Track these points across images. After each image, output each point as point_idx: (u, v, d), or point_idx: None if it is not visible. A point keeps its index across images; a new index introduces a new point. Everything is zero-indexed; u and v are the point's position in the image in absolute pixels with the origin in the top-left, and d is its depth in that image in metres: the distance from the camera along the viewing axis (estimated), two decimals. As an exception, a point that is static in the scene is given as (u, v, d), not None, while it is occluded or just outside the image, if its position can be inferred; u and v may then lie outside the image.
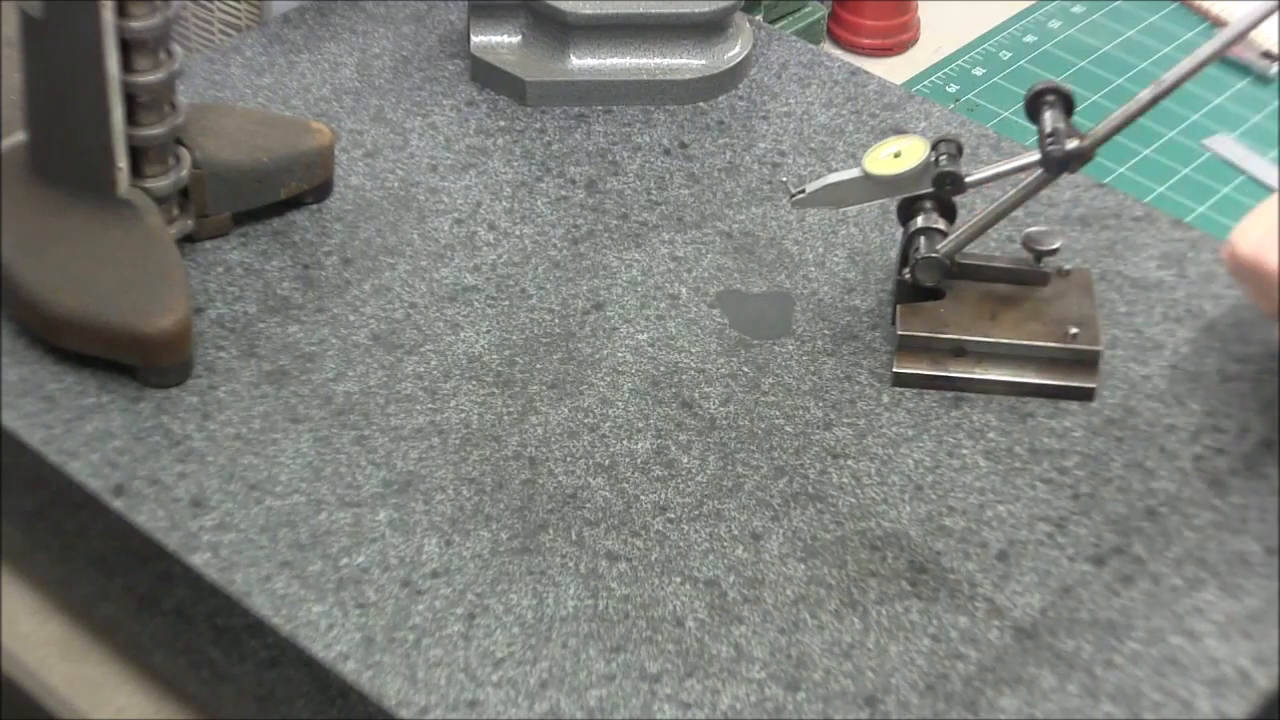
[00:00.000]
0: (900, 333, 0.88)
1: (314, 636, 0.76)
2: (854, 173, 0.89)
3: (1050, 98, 0.88)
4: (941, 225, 0.89)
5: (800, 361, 0.90)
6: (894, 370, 0.88)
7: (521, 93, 1.05)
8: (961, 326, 0.89)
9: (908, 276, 0.89)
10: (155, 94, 0.88)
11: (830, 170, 0.99)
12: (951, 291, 0.90)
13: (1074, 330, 0.88)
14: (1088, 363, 0.88)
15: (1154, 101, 0.86)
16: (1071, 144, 0.85)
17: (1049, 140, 0.86)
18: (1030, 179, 0.87)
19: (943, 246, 0.88)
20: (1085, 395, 0.88)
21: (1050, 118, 0.87)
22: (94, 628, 0.86)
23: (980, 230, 0.89)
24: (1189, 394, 0.89)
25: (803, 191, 0.90)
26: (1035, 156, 0.87)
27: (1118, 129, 0.86)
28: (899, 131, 1.03)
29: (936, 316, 0.89)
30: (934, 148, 0.89)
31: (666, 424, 0.86)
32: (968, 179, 0.89)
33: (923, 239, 0.89)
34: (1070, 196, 0.99)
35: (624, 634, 0.76)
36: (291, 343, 0.89)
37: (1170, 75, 0.85)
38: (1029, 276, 0.90)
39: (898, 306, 0.89)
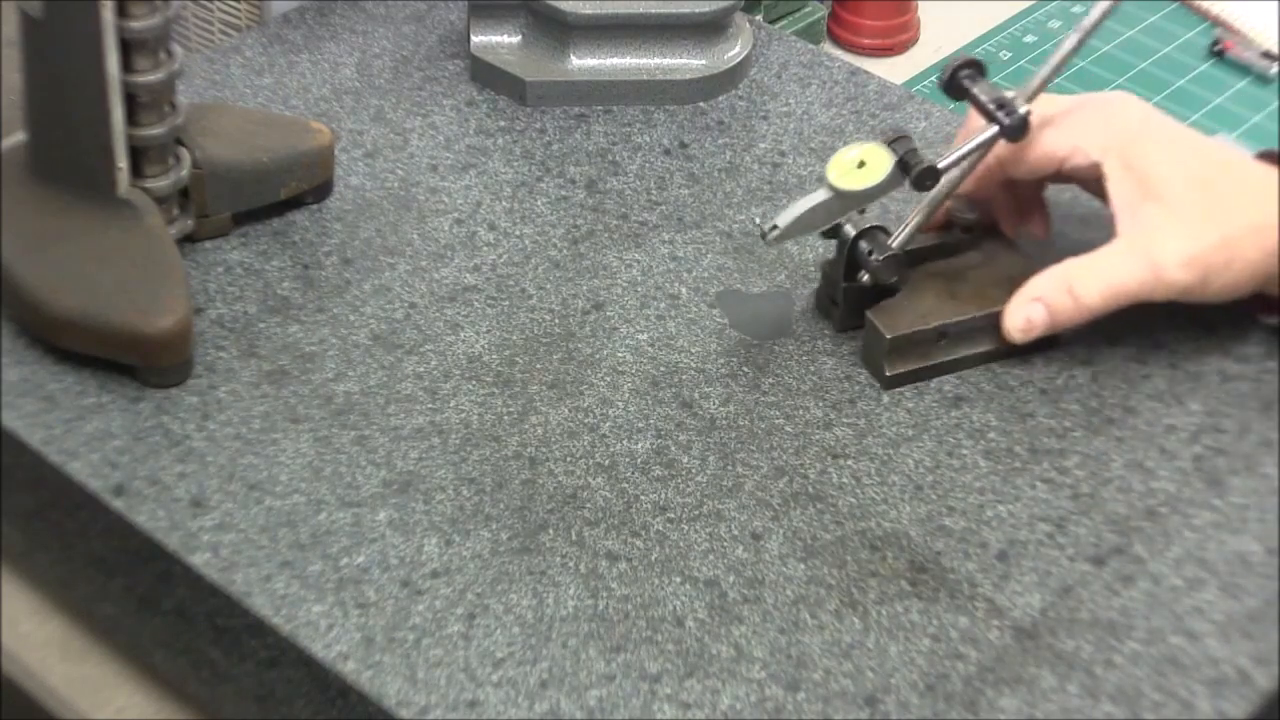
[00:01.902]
0: (890, 336, 0.87)
1: (314, 636, 0.76)
2: (822, 194, 0.87)
3: (967, 72, 0.89)
4: (875, 222, 0.89)
5: (800, 361, 0.90)
6: (887, 375, 0.88)
7: (521, 93, 1.05)
8: (937, 312, 0.89)
9: (866, 280, 0.88)
10: (155, 94, 0.88)
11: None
12: (906, 284, 0.90)
13: None
14: None
15: (1078, 47, 0.88)
16: (1024, 108, 0.87)
17: (1002, 110, 0.87)
18: (976, 153, 0.89)
19: (897, 240, 0.88)
20: (1052, 343, 0.89)
21: (983, 89, 0.88)
22: (94, 628, 0.86)
23: (931, 213, 0.89)
24: (1189, 394, 0.89)
25: (775, 228, 0.87)
26: (993, 130, 0.88)
27: (1048, 80, 0.88)
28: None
29: (911, 310, 0.89)
30: (890, 147, 0.88)
31: (666, 424, 0.86)
32: (940, 166, 0.89)
33: (864, 240, 0.88)
34: (1070, 196, 0.98)
35: (624, 634, 0.76)
36: (291, 343, 0.89)
37: (1089, 18, 0.88)
38: (962, 245, 0.91)
39: (869, 313, 0.88)
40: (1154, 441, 0.86)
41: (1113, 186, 0.88)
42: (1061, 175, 0.92)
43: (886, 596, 0.78)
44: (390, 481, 0.82)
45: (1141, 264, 0.87)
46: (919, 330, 0.88)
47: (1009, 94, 0.89)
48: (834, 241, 0.90)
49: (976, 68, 0.90)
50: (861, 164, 0.87)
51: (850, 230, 0.89)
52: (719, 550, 0.80)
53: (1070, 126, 0.90)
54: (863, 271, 0.88)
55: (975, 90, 0.89)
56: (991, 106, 0.88)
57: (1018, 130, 0.88)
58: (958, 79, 0.90)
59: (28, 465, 0.84)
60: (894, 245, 0.88)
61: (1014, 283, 0.89)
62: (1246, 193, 0.88)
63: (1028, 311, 0.88)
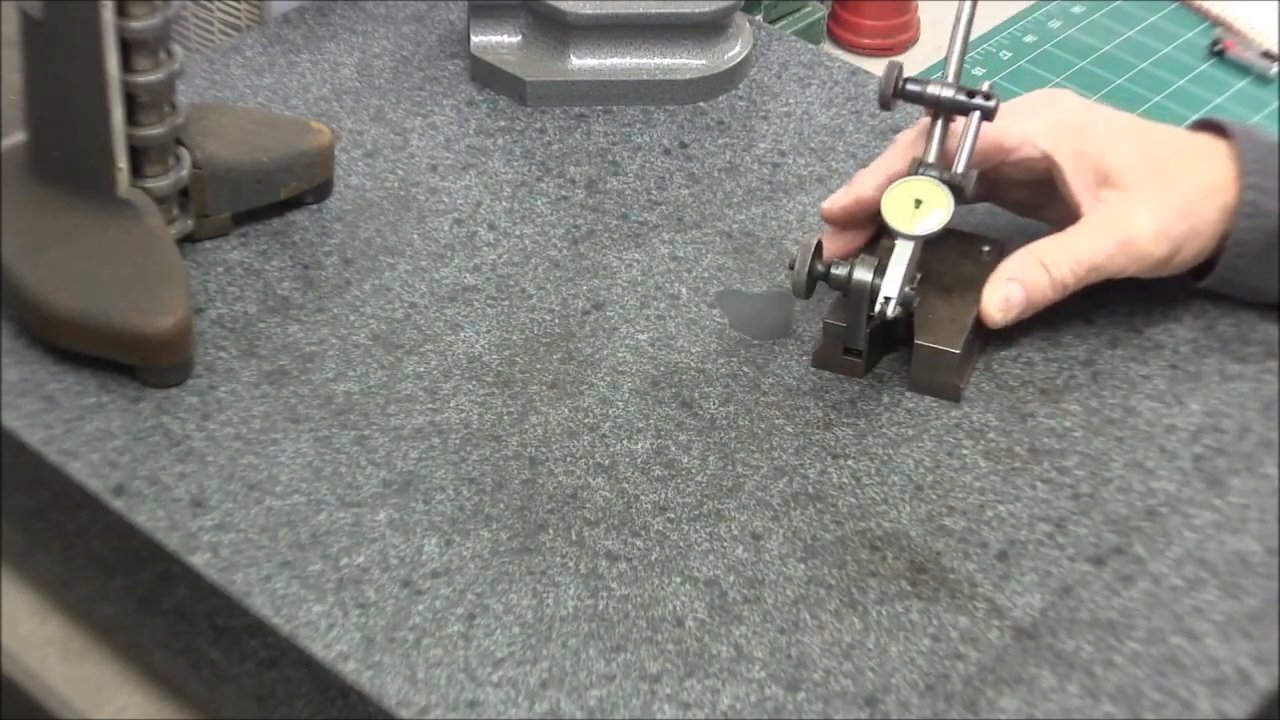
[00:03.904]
0: (957, 351, 0.87)
1: (314, 636, 0.76)
2: (908, 247, 0.86)
3: (906, 80, 0.90)
4: (863, 254, 0.88)
5: (800, 361, 0.90)
6: (960, 387, 0.87)
7: (521, 93, 1.05)
8: (960, 313, 0.89)
9: (899, 311, 0.86)
10: (155, 94, 0.88)
11: (830, 169, 0.99)
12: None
13: (985, 249, 0.91)
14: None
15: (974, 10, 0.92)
16: (987, 86, 0.89)
17: (979, 96, 0.89)
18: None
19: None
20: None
21: (938, 85, 0.89)
22: (94, 628, 0.86)
23: None
24: (1189, 394, 0.89)
25: (888, 299, 0.85)
26: (975, 118, 0.89)
27: (965, 53, 0.91)
28: (898, 131, 1.02)
29: (941, 321, 0.88)
30: (925, 173, 0.88)
31: (666, 424, 0.86)
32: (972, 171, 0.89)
33: (876, 276, 0.86)
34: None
35: (624, 634, 0.76)
36: (291, 343, 0.89)
37: None
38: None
39: (919, 339, 0.87)
40: (1154, 441, 0.86)
41: (1069, 174, 0.90)
42: (1003, 169, 0.92)
43: (886, 596, 0.78)
44: (390, 481, 0.82)
45: (1113, 239, 0.89)
46: (967, 336, 0.88)
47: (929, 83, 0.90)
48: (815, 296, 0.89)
49: (901, 69, 0.91)
50: (918, 202, 0.87)
51: (863, 273, 0.86)
52: (719, 550, 0.80)
53: (1018, 120, 0.91)
54: (893, 302, 0.87)
55: (931, 89, 0.89)
56: (964, 96, 0.89)
57: (995, 110, 0.89)
58: (902, 88, 0.90)
59: (28, 465, 0.84)
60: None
61: (973, 258, 0.91)
62: (1192, 159, 0.91)
63: (1005, 291, 0.89)
